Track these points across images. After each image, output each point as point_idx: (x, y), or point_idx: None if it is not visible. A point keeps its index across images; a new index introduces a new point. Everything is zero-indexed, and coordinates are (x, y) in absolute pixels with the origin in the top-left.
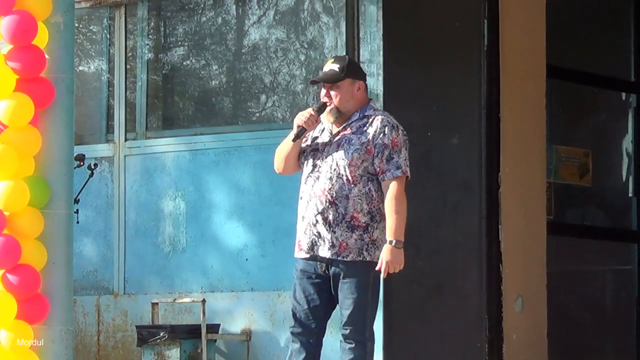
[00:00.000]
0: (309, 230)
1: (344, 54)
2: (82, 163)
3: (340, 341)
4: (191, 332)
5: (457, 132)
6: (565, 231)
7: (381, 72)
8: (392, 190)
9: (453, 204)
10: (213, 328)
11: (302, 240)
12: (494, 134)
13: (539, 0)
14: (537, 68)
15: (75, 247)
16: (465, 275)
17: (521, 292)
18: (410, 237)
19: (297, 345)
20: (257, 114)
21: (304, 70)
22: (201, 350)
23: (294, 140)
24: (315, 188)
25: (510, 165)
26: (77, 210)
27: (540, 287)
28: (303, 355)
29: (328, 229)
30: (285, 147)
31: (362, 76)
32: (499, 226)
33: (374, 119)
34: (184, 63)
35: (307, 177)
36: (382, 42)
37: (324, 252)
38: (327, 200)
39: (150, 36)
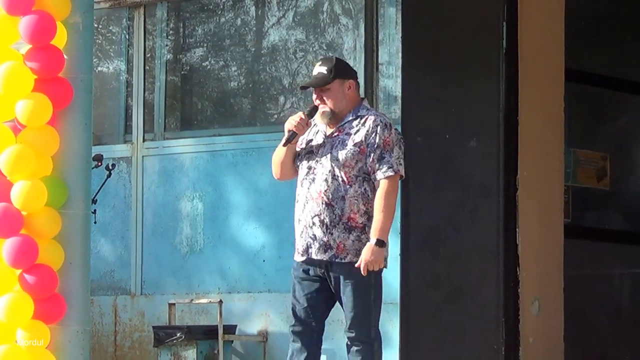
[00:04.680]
0: (305, 232)
1: (363, 55)
2: (100, 163)
3: (347, 344)
4: (208, 333)
5: (475, 135)
6: (583, 234)
7: (399, 74)
8: (381, 188)
9: (471, 207)
10: (230, 329)
11: (299, 243)
12: (512, 137)
13: (558, 3)
14: (556, 71)
15: (93, 248)
16: (482, 278)
17: (538, 296)
18: (428, 240)
19: (298, 345)
20: (276, 116)
21: None
22: (218, 351)
23: (284, 144)
24: (311, 190)
25: (528, 169)
26: (95, 210)
27: (557, 290)
28: (305, 354)
29: (325, 231)
30: (278, 152)
31: (351, 75)
32: (517, 229)
33: (366, 118)
34: (203, 64)
35: (303, 179)
36: (400, 45)
37: (320, 254)
38: (324, 202)
39: (169, 37)
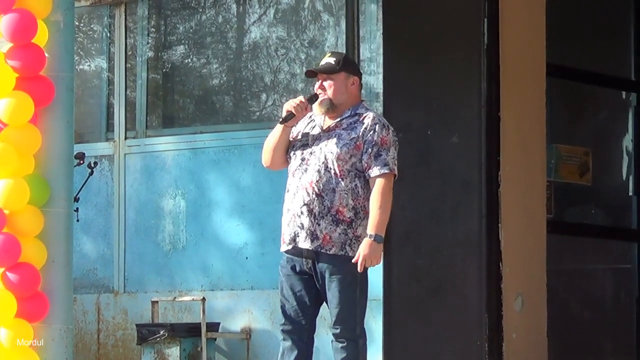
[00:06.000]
0: (293, 221)
1: (344, 52)
2: (82, 161)
3: (332, 340)
4: (191, 331)
5: (457, 130)
6: (565, 230)
7: (381, 70)
8: (378, 186)
9: (453, 203)
10: (213, 326)
11: (286, 232)
12: (494, 132)
13: None
14: (537, 66)
15: (75, 246)
16: (465, 273)
17: (521, 291)
18: (410, 236)
19: (288, 343)
20: (258, 113)
21: (304, 68)
22: (201, 348)
23: (281, 123)
24: (302, 180)
25: (510, 164)
26: (77, 208)
27: (540, 285)
28: (295, 352)
29: (312, 220)
30: (273, 136)
31: (357, 73)
32: (499, 225)
33: (365, 116)
34: (184, 61)
35: (295, 170)
36: (382, 41)
37: (306, 244)
38: (314, 192)
39: (150, 34)
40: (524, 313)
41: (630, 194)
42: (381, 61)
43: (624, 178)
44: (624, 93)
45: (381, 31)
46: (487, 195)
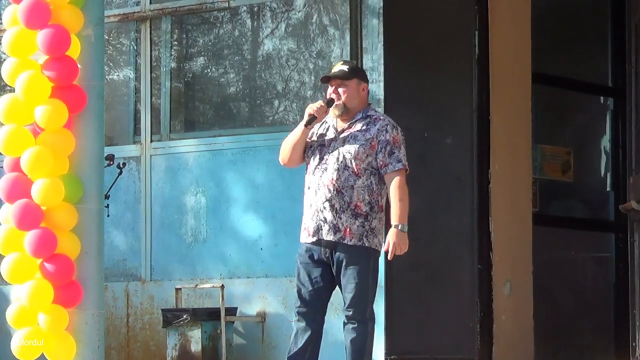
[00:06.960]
0: (316, 216)
1: None
2: (111, 162)
3: (344, 322)
4: (211, 315)
5: (451, 132)
6: (549, 222)
7: (382, 78)
8: (395, 180)
9: (447, 198)
10: (231, 311)
11: (310, 225)
12: (485, 134)
13: (525, 13)
14: (524, 74)
15: (106, 238)
16: (458, 262)
17: (509, 278)
18: (409, 228)
19: (302, 324)
20: (271, 118)
21: (312, 77)
22: (220, 331)
23: (306, 125)
24: (323, 178)
25: (499, 163)
26: (108, 205)
27: (526, 272)
28: (309, 332)
29: (335, 214)
30: (293, 136)
31: (366, 80)
32: (489, 218)
33: (376, 118)
34: (204, 71)
35: (315, 169)
36: (383, 52)
37: (330, 236)
38: (335, 189)
39: (173, 47)
40: (512, 297)
41: (608, 189)
42: (382, 70)
43: (602, 175)
44: (602, 98)
45: (382, 43)
46: (478, 191)
